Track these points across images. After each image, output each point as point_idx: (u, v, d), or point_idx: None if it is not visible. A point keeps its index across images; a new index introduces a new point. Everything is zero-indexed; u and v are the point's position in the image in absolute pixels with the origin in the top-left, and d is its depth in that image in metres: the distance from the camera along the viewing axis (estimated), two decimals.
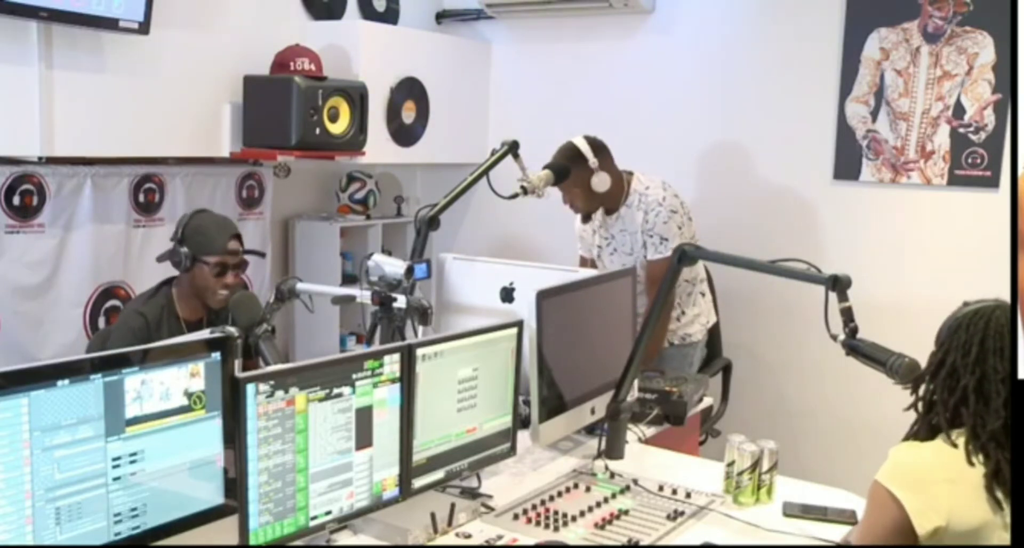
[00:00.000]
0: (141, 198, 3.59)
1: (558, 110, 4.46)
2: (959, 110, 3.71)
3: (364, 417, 1.91)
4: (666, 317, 3.38)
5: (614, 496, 2.23)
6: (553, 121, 4.19)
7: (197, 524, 1.72)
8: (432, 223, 2.79)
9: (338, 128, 3.78)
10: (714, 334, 3.71)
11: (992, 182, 3.66)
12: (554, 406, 2.39)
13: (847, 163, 3.95)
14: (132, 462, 1.61)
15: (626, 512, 2.14)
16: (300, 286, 2.59)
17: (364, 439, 1.91)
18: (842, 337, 2.02)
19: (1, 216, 3.15)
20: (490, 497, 2.17)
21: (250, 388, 1.69)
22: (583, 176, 3.28)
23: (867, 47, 3.86)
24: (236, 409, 1.68)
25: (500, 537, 1.99)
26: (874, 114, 3.87)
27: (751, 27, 4.11)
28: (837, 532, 2.09)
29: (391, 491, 1.99)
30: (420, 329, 2.48)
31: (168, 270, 2.94)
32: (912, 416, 1.87)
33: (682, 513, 2.14)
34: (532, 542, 1.97)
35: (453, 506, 2.04)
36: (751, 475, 2.21)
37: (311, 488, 1.82)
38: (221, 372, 1.72)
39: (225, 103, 3.71)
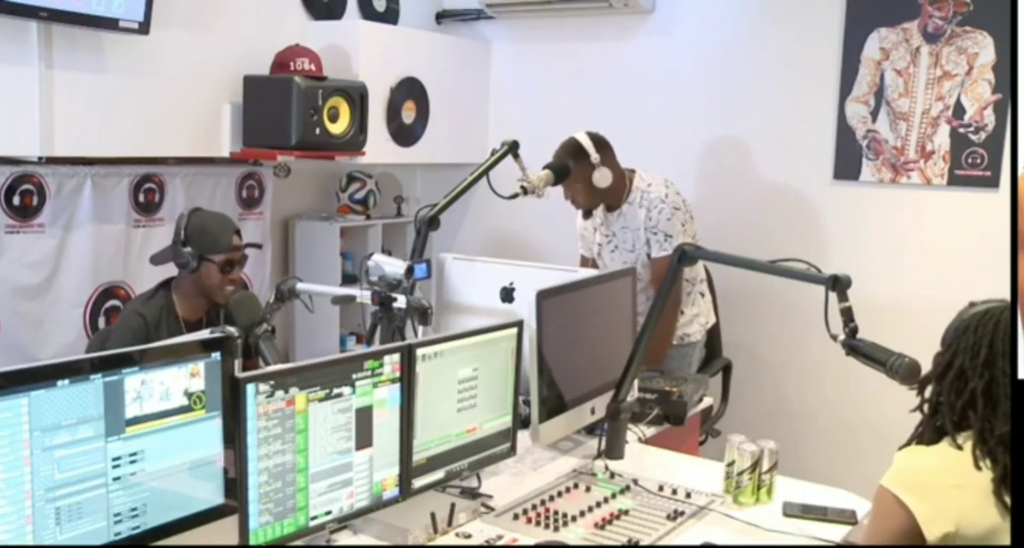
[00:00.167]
0: (141, 198, 3.59)
1: (558, 110, 4.46)
2: (959, 110, 3.71)
3: (364, 417, 1.91)
4: (672, 317, 3.38)
5: (614, 496, 2.23)
6: (553, 121, 4.19)
7: (197, 524, 1.72)
8: (432, 223, 2.79)
9: (338, 128, 3.78)
10: (714, 334, 3.71)
11: (992, 182, 3.66)
12: (554, 406, 2.39)
13: (847, 163, 3.95)
14: (132, 462, 1.61)
15: (626, 512, 2.14)
16: (300, 286, 2.59)
17: (364, 439, 1.91)
18: (842, 337, 2.01)
19: (1, 216, 3.15)
20: (490, 497, 2.17)
21: (250, 388, 1.69)
22: (585, 171, 3.28)
23: (867, 47, 3.86)
24: (236, 409, 1.68)
25: (500, 537, 1.99)
26: (874, 114, 3.87)
27: (751, 27, 4.11)
28: (837, 532, 2.09)
29: (391, 491, 1.99)
30: (420, 329, 2.48)
31: (168, 270, 2.94)
32: (913, 417, 1.86)
33: (682, 513, 2.14)
34: (532, 542, 1.97)
35: (453, 506, 2.04)
36: (751, 475, 2.20)
37: (311, 488, 1.82)
38: (221, 372, 1.72)
39: (225, 103, 3.71)
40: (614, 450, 2.48)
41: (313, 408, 1.80)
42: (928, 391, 1.84)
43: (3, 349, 3.16)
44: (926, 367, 1.89)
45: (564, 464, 2.45)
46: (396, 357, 1.96)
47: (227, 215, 3.04)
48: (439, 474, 2.11)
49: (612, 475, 2.36)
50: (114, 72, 3.32)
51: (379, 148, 4.11)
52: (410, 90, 4.30)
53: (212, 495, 1.74)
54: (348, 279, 4.32)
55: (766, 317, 4.10)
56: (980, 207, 3.68)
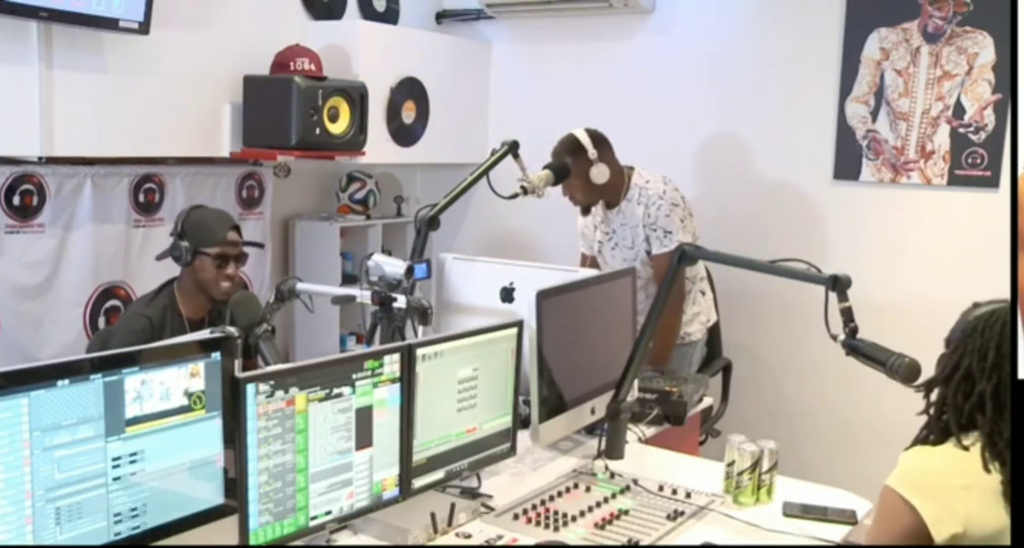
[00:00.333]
0: (141, 198, 3.59)
1: (558, 110, 4.46)
2: (959, 110, 3.71)
3: (364, 417, 1.91)
4: (675, 316, 3.38)
5: (614, 496, 2.23)
6: (553, 121, 4.17)
7: (197, 524, 1.72)
8: (432, 223, 2.79)
9: (338, 128, 3.78)
10: (714, 334, 3.71)
11: (992, 182, 3.66)
12: (554, 406, 2.39)
13: (847, 163, 3.95)
14: (132, 462, 1.61)
15: (626, 512, 2.14)
16: (300, 286, 2.59)
17: (364, 439, 1.91)
18: (842, 337, 2.01)
19: (1, 216, 3.15)
20: (490, 497, 2.16)
21: (250, 388, 1.69)
22: (582, 168, 3.29)
23: (867, 47, 3.86)
24: (236, 409, 1.68)
25: (500, 537, 1.99)
26: (874, 114, 3.87)
27: (751, 27, 4.11)
28: (837, 532, 2.09)
29: (391, 491, 1.99)
30: (420, 329, 2.48)
31: (169, 270, 2.94)
32: (914, 417, 1.86)
33: (682, 513, 2.14)
34: (532, 542, 1.97)
35: (453, 506, 2.04)
36: (751, 475, 2.20)
37: (311, 488, 1.82)
38: (221, 372, 1.72)
39: (225, 103, 3.71)
40: (614, 450, 2.48)
41: (313, 408, 1.80)
42: (935, 393, 1.83)
43: (3, 349, 3.16)
44: (926, 367, 1.89)
45: (564, 464, 2.45)
46: (396, 357, 1.96)
47: (226, 211, 3.04)
48: (439, 474, 2.11)
49: (612, 475, 2.36)
50: (114, 72, 3.32)
51: (379, 148, 4.11)
52: (410, 90, 4.30)
53: (212, 495, 1.74)
54: (348, 279, 4.32)
55: (766, 317, 4.10)
56: (980, 207, 3.67)
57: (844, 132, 3.94)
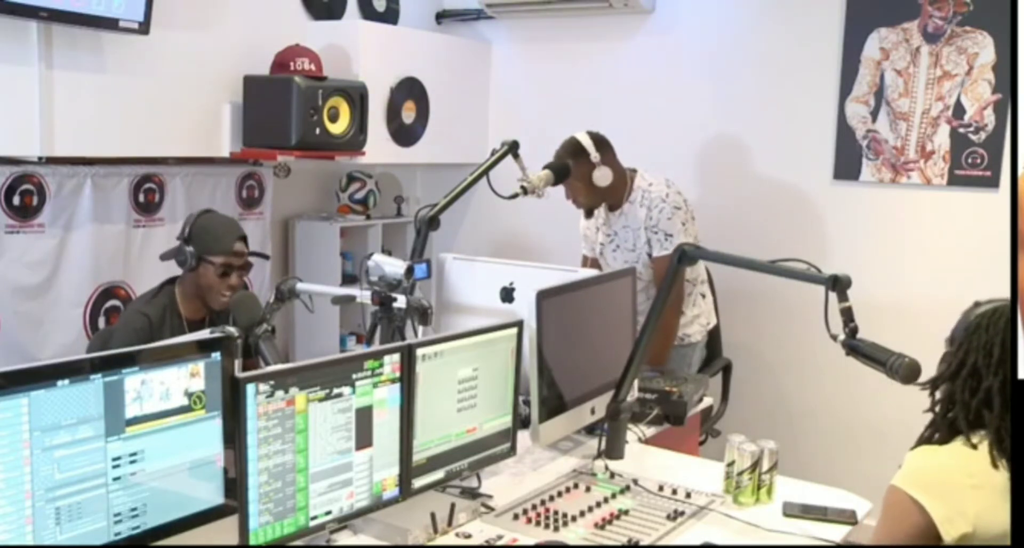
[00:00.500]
0: (141, 198, 3.60)
1: (558, 110, 4.46)
2: (959, 110, 3.71)
3: (364, 417, 1.91)
4: (675, 317, 3.38)
5: (614, 496, 2.23)
6: (553, 121, 4.19)
7: (197, 524, 1.72)
8: (432, 223, 2.79)
9: (338, 128, 3.78)
10: (714, 334, 3.71)
11: (992, 182, 3.66)
12: (554, 406, 2.39)
13: (847, 163, 3.95)
14: (132, 462, 1.61)
15: (626, 512, 2.14)
16: (300, 286, 2.59)
17: (364, 439, 1.91)
18: (842, 337, 2.01)
19: (1, 216, 3.15)
20: (490, 497, 2.16)
21: (250, 388, 1.69)
22: (585, 170, 3.29)
23: (867, 47, 3.86)
24: (236, 409, 1.68)
25: (500, 537, 1.99)
26: (874, 114, 3.87)
27: (751, 27, 4.11)
28: (837, 532, 2.09)
29: (391, 491, 1.99)
30: (420, 329, 2.48)
31: (169, 270, 2.94)
32: (915, 417, 1.86)
33: (682, 513, 2.14)
34: (532, 542, 1.97)
35: (453, 506, 2.04)
36: (751, 475, 2.20)
37: (311, 488, 1.82)
38: (221, 372, 1.72)
39: (225, 103, 3.72)
40: (614, 450, 2.48)
41: (313, 408, 1.80)
42: (940, 390, 1.82)
43: (3, 349, 3.16)
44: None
45: (564, 464, 2.45)
46: (396, 357, 1.95)
47: (235, 220, 3.03)
48: (439, 474, 2.11)
49: (612, 475, 2.36)
50: (114, 72, 3.32)
51: (379, 148, 4.11)
52: (410, 90, 4.30)
53: (212, 495, 1.74)
54: (348, 279, 4.32)
55: (766, 317, 4.10)
56: (980, 207, 3.68)
57: (844, 132, 3.94)
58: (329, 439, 1.84)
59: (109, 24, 3.13)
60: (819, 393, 4.05)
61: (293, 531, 1.79)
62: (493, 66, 4.78)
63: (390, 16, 4.54)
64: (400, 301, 2.48)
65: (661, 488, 2.27)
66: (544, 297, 2.32)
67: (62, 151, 3.22)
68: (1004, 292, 1.82)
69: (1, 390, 1.42)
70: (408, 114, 4.30)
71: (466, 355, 2.14)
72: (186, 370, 1.68)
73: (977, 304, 1.83)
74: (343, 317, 4.24)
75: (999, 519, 1.67)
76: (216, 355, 1.72)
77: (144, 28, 3.23)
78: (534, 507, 2.13)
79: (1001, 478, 1.68)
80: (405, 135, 4.32)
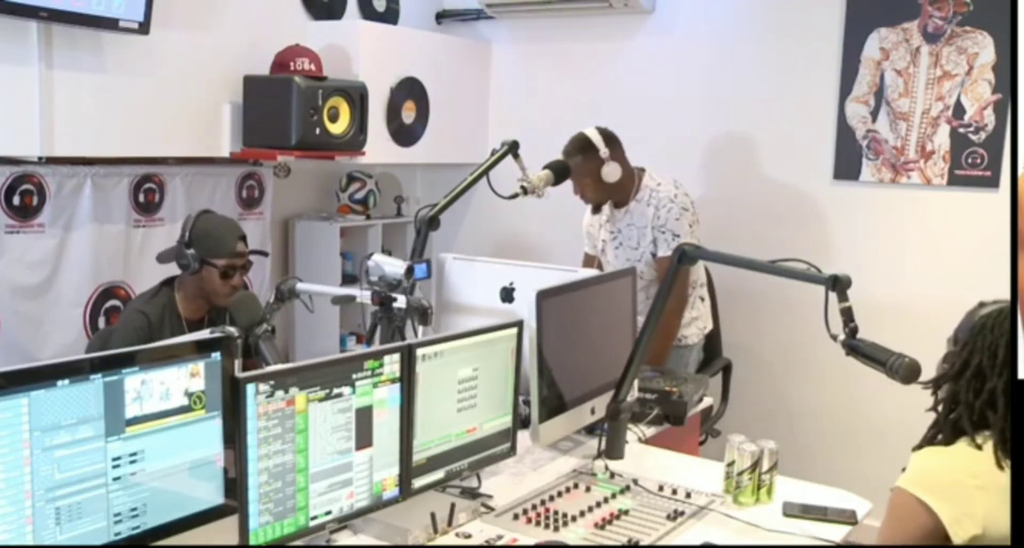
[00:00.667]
0: (141, 198, 3.60)
1: (558, 110, 4.46)
2: (959, 110, 3.71)
3: (364, 417, 1.91)
4: (676, 316, 3.38)
5: (614, 496, 2.23)
6: (553, 121, 4.19)
7: (197, 524, 1.72)
8: (432, 223, 2.79)
9: (338, 128, 3.78)
10: (714, 335, 3.71)
11: (992, 182, 3.66)
12: (554, 406, 2.39)
13: (847, 163, 3.95)
14: (132, 462, 1.61)
15: (626, 512, 2.14)
16: (300, 286, 2.59)
17: (364, 439, 1.91)
18: (842, 337, 2.01)
19: (1, 216, 3.15)
20: (490, 497, 2.16)
21: (250, 388, 1.69)
22: (593, 166, 3.30)
23: (867, 47, 3.86)
24: (236, 409, 1.68)
25: (500, 537, 1.99)
26: (874, 114, 3.87)
27: (751, 27, 4.11)
28: (837, 532, 2.09)
29: (391, 491, 1.99)
30: (420, 329, 2.48)
31: (169, 269, 2.94)
32: (916, 417, 1.86)
33: (682, 513, 2.14)
34: (532, 542, 1.97)
35: (453, 506, 2.04)
36: (751, 475, 2.20)
37: (311, 488, 1.82)
38: (221, 372, 1.72)
39: (225, 103, 3.72)
40: (614, 450, 2.48)
41: (313, 408, 1.80)
42: (943, 390, 1.82)
43: (3, 349, 3.17)
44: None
45: (564, 464, 2.45)
46: (396, 357, 1.95)
47: (234, 220, 3.04)
48: (439, 474, 2.11)
49: (612, 475, 2.36)
50: (114, 72, 3.32)
51: (379, 148, 4.11)
52: (410, 90, 4.30)
53: (212, 495, 1.74)
54: (348, 279, 4.32)
55: (766, 317, 4.10)
56: (980, 207, 3.68)
57: (844, 132, 3.94)
58: (329, 439, 1.84)
59: (109, 24, 3.13)
60: (819, 393, 4.05)
61: (293, 531, 1.79)
62: (493, 66, 4.78)
63: (390, 16, 4.54)
64: (400, 301, 2.48)
65: (661, 488, 2.27)
66: (544, 297, 2.32)
67: (62, 151, 3.22)
68: (1004, 292, 1.82)
69: (1, 390, 1.42)
70: (408, 114, 4.30)
71: (466, 355, 2.14)
72: (186, 370, 1.68)
73: (982, 304, 1.83)
74: (343, 317, 4.24)
75: (1005, 521, 1.66)
76: (216, 355, 1.72)
77: (144, 28, 3.23)
78: (534, 507, 2.13)
79: (1006, 479, 1.67)
80: (405, 135, 4.32)
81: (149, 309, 2.80)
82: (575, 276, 2.63)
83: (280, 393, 1.73)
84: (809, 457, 3.74)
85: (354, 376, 1.87)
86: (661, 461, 2.53)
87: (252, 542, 1.71)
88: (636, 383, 2.63)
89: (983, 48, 3.65)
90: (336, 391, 1.84)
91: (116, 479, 1.58)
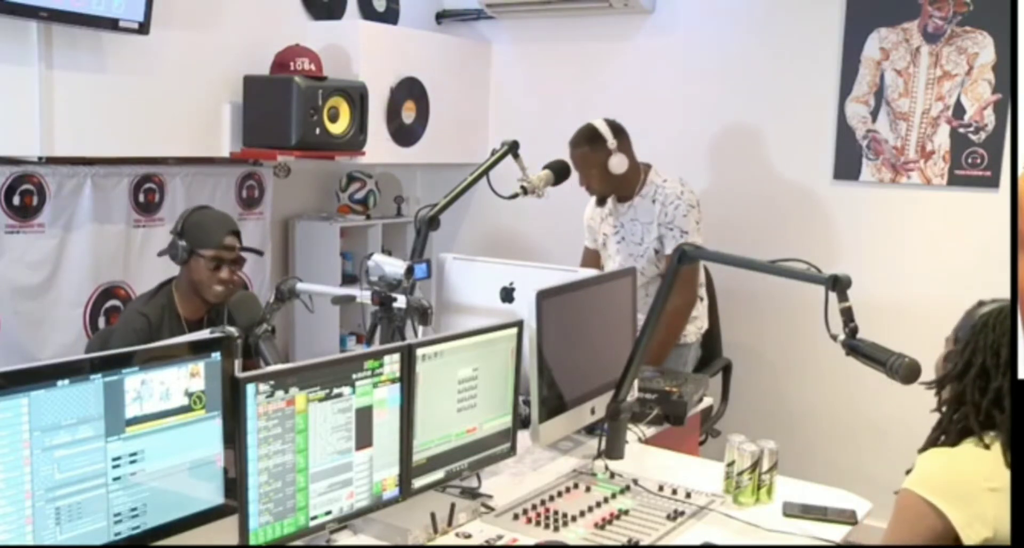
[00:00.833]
0: (141, 198, 3.60)
1: (558, 110, 4.46)
2: (959, 110, 3.71)
3: (364, 417, 1.91)
4: (684, 317, 3.38)
5: (614, 496, 2.23)
6: (553, 121, 4.19)
7: (197, 524, 1.72)
8: (432, 223, 2.79)
9: (338, 128, 3.78)
10: (714, 335, 3.71)
11: (992, 182, 3.66)
12: (554, 406, 2.39)
13: (847, 163, 3.95)
14: (132, 462, 1.61)
15: (626, 512, 2.14)
16: (300, 286, 2.59)
17: (364, 439, 1.91)
18: (842, 337, 2.00)
19: (1, 216, 3.15)
20: (490, 497, 2.16)
21: (250, 388, 1.69)
22: (601, 157, 3.30)
23: (867, 47, 3.86)
24: (236, 409, 1.68)
25: (500, 537, 1.99)
26: (874, 114, 3.87)
27: (751, 27, 4.11)
28: (837, 532, 2.09)
29: (391, 491, 1.99)
30: (420, 329, 2.48)
31: (169, 270, 2.94)
32: (916, 417, 1.85)
33: (682, 513, 2.14)
34: (532, 542, 1.97)
35: (453, 506, 2.04)
36: (751, 475, 2.20)
37: (311, 488, 1.82)
38: (221, 372, 1.72)
39: (225, 103, 3.72)
40: (614, 450, 2.48)
41: (313, 408, 1.80)
42: (947, 390, 1.81)
43: (3, 349, 3.17)
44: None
45: (564, 464, 2.45)
46: (396, 357, 1.95)
47: (229, 215, 3.04)
48: (439, 474, 2.11)
49: (612, 475, 2.36)
50: (114, 72, 3.32)
51: (379, 148, 4.11)
52: (410, 90, 4.30)
53: (212, 495, 1.74)
54: (348, 279, 4.32)
55: (766, 317, 4.10)
56: (980, 207, 3.68)
57: (844, 132, 3.94)
58: (329, 439, 1.84)
59: (109, 24, 3.13)
60: (819, 393, 4.05)
61: (293, 531, 1.79)
62: (493, 66, 4.78)
63: (390, 16, 4.54)
64: (400, 301, 2.48)
65: (661, 488, 2.27)
66: (544, 297, 2.32)
67: (62, 151, 3.22)
68: (1004, 292, 1.82)
69: (1, 390, 1.42)
70: (408, 114, 4.30)
71: (466, 355, 2.14)
72: (186, 370, 1.68)
73: (981, 303, 1.82)
74: (343, 317, 4.24)
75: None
76: (216, 355, 1.72)
77: (144, 28, 3.23)
78: (534, 507, 2.13)
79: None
80: (405, 135, 4.32)
81: (148, 310, 2.80)
82: (575, 276, 2.63)
83: (280, 393, 1.73)
84: (809, 457, 3.74)
85: (354, 376, 1.87)
86: (661, 461, 2.53)
87: (252, 542, 1.71)
88: (636, 383, 2.63)
89: (983, 48, 3.65)
90: (336, 391, 1.84)
91: (116, 479, 1.59)
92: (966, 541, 1.65)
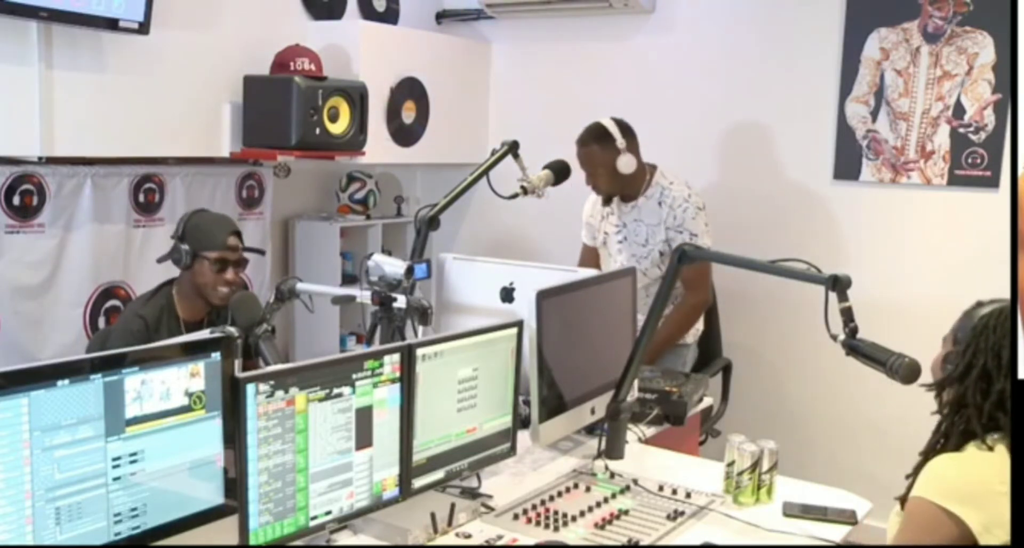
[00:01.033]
0: (141, 198, 3.60)
1: (558, 110, 4.46)
2: (959, 110, 3.71)
3: (364, 417, 1.91)
4: (697, 313, 3.38)
5: (614, 496, 2.23)
6: (553, 121, 4.19)
7: (197, 524, 1.72)
8: (432, 223, 2.79)
9: (338, 128, 3.78)
10: (714, 335, 3.71)
11: (992, 182, 3.66)
12: (554, 406, 2.39)
13: (847, 163, 3.95)
14: (132, 462, 1.61)
15: (626, 512, 2.14)
16: (300, 286, 2.59)
17: (364, 439, 1.91)
18: (842, 337, 2.00)
19: (1, 216, 3.15)
20: (490, 497, 2.16)
21: (250, 388, 1.69)
22: (609, 156, 3.30)
23: (867, 47, 3.86)
24: (236, 409, 1.68)
25: (500, 537, 1.99)
26: (874, 114, 3.87)
27: (751, 27, 4.11)
28: (837, 532, 2.09)
29: (391, 491, 1.99)
30: (420, 329, 2.48)
31: (169, 270, 2.94)
32: (916, 417, 1.85)
33: (682, 513, 2.14)
34: (532, 542, 1.97)
35: (453, 506, 2.04)
36: (751, 475, 2.20)
37: (311, 488, 1.82)
38: (221, 372, 1.72)
39: (225, 103, 3.72)
40: (614, 450, 2.48)
41: (313, 408, 1.80)
42: (948, 393, 1.79)
43: (3, 349, 3.17)
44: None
45: (564, 464, 2.45)
46: (396, 357, 1.95)
47: (228, 216, 3.04)
48: (439, 474, 2.11)
49: (612, 475, 2.36)
50: (114, 72, 3.32)
51: (379, 148, 4.11)
52: (410, 90, 4.30)
53: (212, 495, 1.74)
54: (348, 279, 4.32)
55: (766, 317, 4.10)
56: (980, 207, 3.68)
57: (844, 132, 3.94)
58: (329, 439, 1.84)
59: (109, 24, 3.13)
60: (819, 393, 4.05)
61: (293, 531, 1.79)
62: (493, 66, 4.78)
63: (390, 16, 4.53)
64: (400, 301, 2.48)
65: (661, 488, 2.27)
66: (544, 297, 2.32)
67: (62, 151, 3.22)
68: (1004, 292, 1.82)
69: (1, 390, 1.42)
70: (408, 114, 4.30)
71: (466, 355, 2.14)
72: (186, 370, 1.68)
73: (980, 304, 1.81)
74: (343, 317, 4.24)
75: None
76: (216, 355, 1.72)
77: (144, 28, 3.23)
78: (534, 507, 2.13)
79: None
80: (405, 135, 4.32)
81: (146, 312, 2.80)
82: (575, 276, 2.63)
83: (280, 393, 1.73)
84: (809, 457, 3.74)
85: (354, 376, 1.87)
86: (661, 461, 2.53)
87: (252, 542, 1.71)
88: (636, 383, 2.63)
89: (983, 48, 3.65)
90: (336, 391, 1.84)
91: (116, 479, 1.59)
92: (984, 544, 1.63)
